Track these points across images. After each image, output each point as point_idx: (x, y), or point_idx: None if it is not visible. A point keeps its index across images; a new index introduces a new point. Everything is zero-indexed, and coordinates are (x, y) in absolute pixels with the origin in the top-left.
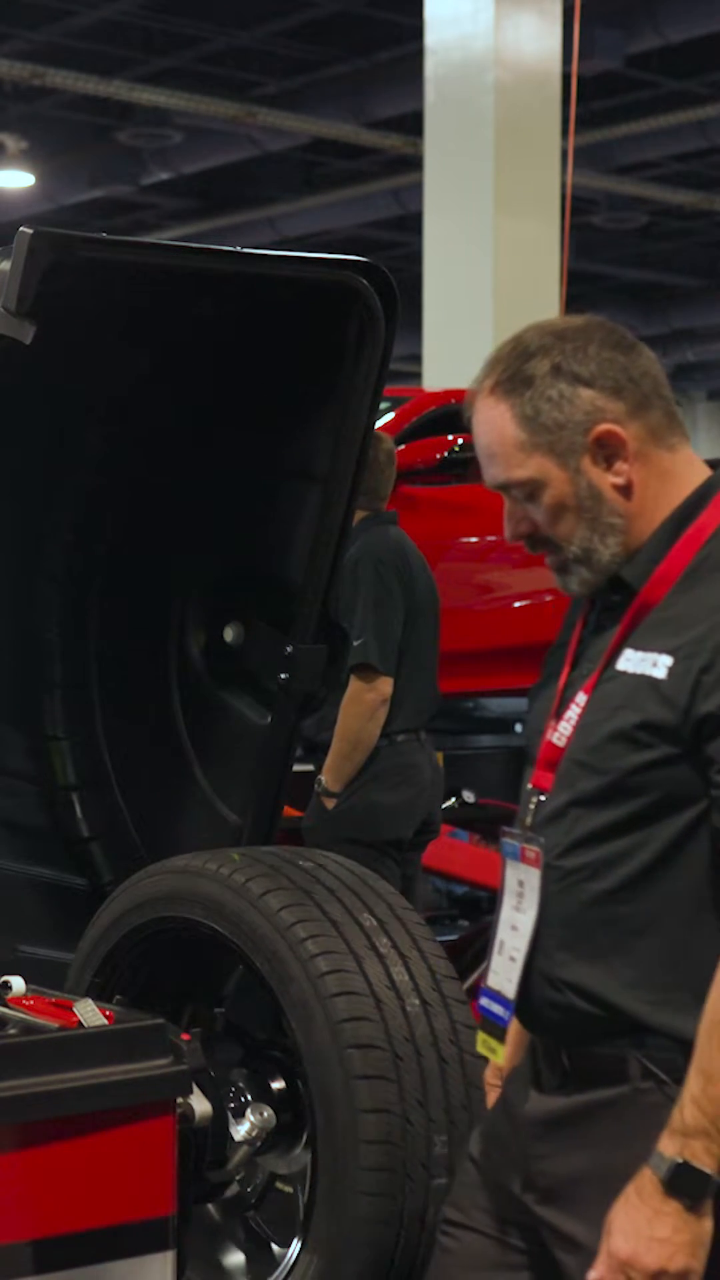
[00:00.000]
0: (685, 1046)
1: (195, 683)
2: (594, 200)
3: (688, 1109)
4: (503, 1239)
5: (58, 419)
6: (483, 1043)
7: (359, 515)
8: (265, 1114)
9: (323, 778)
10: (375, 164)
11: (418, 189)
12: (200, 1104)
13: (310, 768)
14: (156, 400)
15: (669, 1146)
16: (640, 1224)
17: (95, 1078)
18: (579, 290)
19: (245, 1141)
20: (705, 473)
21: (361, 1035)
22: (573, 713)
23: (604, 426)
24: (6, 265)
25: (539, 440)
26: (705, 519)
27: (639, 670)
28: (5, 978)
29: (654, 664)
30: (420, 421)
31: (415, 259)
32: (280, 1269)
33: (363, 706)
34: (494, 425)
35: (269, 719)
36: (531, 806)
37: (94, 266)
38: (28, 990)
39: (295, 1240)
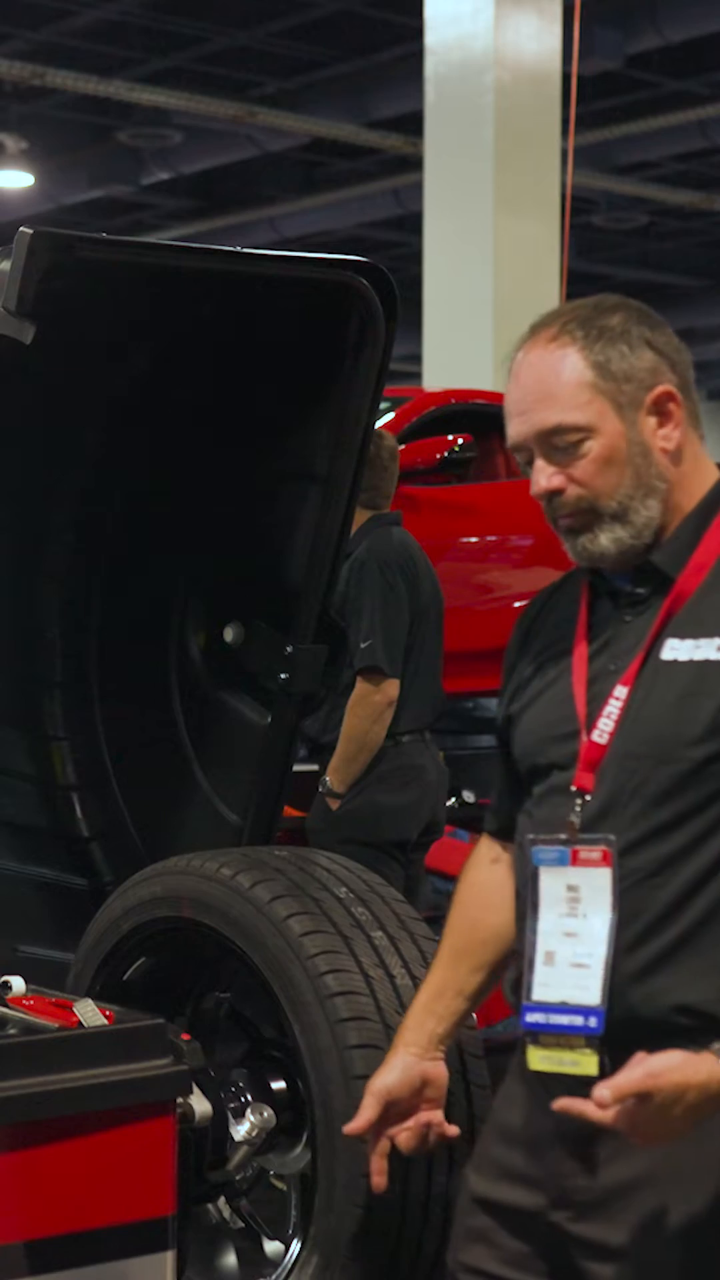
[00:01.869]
0: None
1: (195, 683)
2: (594, 200)
3: None
4: (512, 1276)
5: (58, 419)
6: (545, 1058)
7: (363, 515)
8: (265, 1114)
9: (327, 779)
10: (375, 164)
11: (418, 189)
12: (200, 1104)
13: (315, 768)
14: (156, 400)
15: None
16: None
17: (95, 1078)
18: (579, 290)
19: (245, 1141)
20: (715, 469)
21: (362, 1035)
22: (613, 708)
23: (664, 388)
24: (6, 265)
25: (604, 386)
26: None
27: (696, 656)
28: (5, 978)
29: (717, 648)
30: (420, 421)
31: (415, 259)
32: (281, 1268)
33: (369, 708)
34: (556, 367)
35: (269, 719)
36: (577, 807)
37: (94, 266)
38: (28, 990)
39: (295, 1239)
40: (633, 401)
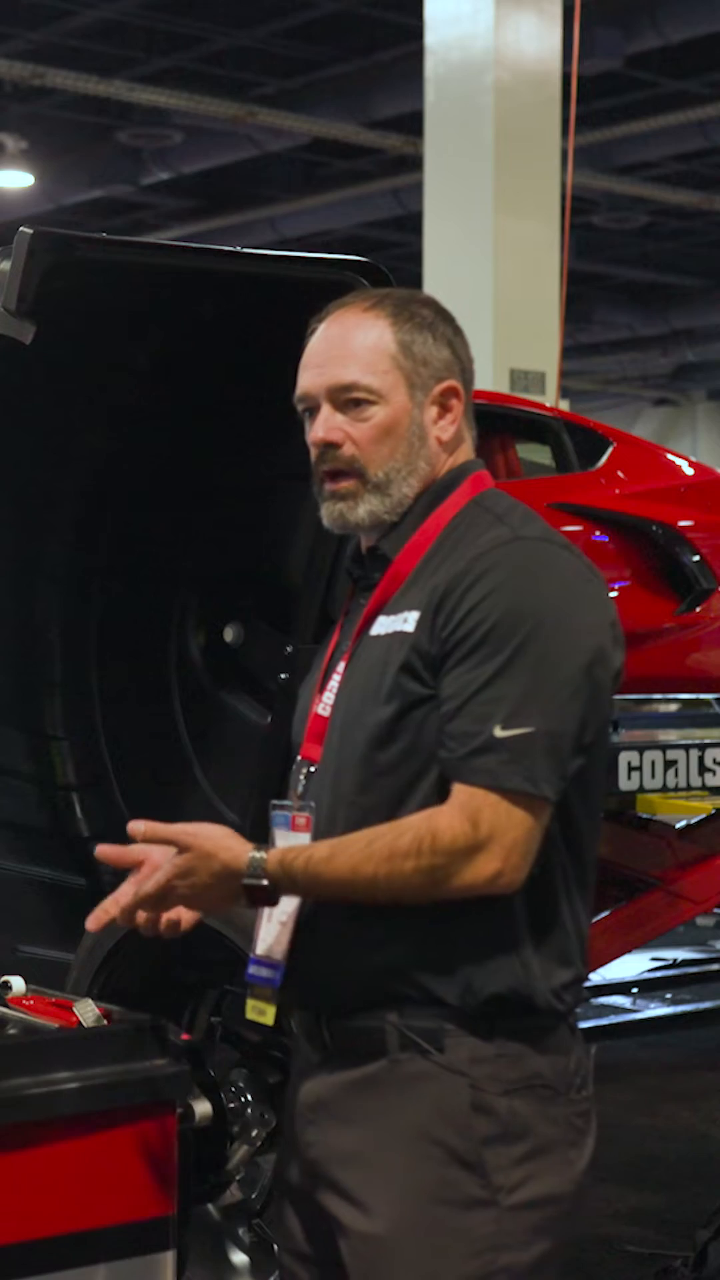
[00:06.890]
0: (444, 1009)
1: (195, 682)
2: (594, 200)
3: (301, 857)
4: (307, 1253)
5: (58, 419)
6: (252, 1008)
7: None
8: (265, 1114)
9: None
10: (375, 164)
11: (418, 189)
12: (200, 1104)
13: None
14: (157, 400)
15: (272, 855)
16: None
17: (95, 1078)
18: (579, 290)
19: (245, 1141)
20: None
21: None
22: (334, 683)
23: (452, 383)
24: (6, 265)
25: (404, 362)
26: (456, 498)
27: (391, 629)
28: (5, 978)
29: (404, 620)
30: None
31: (415, 259)
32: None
33: None
34: (363, 332)
35: (269, 719)
36: (302, 777)
37: (94, 266)
38: (28, 990)
39: None
40: (424, 385)
